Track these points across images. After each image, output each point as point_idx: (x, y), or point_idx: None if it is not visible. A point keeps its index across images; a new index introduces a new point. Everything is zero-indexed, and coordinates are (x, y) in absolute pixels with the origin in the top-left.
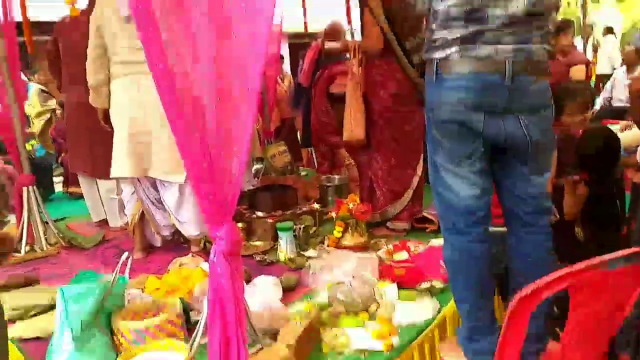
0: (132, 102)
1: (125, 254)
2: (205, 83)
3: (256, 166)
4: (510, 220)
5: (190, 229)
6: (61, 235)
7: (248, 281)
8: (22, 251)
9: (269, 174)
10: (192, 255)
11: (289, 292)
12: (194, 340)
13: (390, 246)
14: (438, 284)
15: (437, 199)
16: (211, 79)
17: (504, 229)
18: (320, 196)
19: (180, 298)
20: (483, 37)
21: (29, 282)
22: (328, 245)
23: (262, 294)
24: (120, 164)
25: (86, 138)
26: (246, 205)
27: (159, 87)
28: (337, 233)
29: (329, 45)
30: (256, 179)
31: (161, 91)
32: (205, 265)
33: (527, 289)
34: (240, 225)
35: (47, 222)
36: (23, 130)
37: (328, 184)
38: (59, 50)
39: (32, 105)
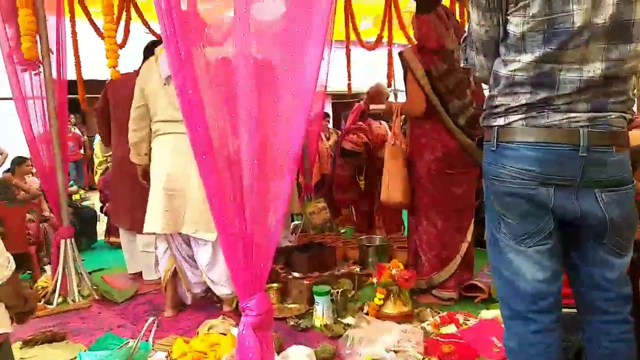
0: (169, 159)
1: (151, 319)
2: (245, 143)
3: (295, 222)
4: (583, 308)
5: (222, 289)
6: (95, 287)
7: (280, 351)
8: (55, 303)
9: (307, 231)
10: (223, 318)
11: None
12: None
13: (437, 318)
14: None
15: (498, 280)
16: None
17: (574, 310)
18: (360, 257)
19: None
20: (553, 104)
21: (55, 338)
22: (368, 313)
23: None
24: (154, 219)
25: (127, 192)
26: (282, 264)
27: (194, 146)
28: (378, 300)
29: (373, 107)
30: (294, 235)
31: (196, 150)
32: (235, 331)
33: None
34: (274, 285)
35: (81, 274)
36: (65, 183)
37: (368, 245)
38: (109, 107)
39: (96, 155)
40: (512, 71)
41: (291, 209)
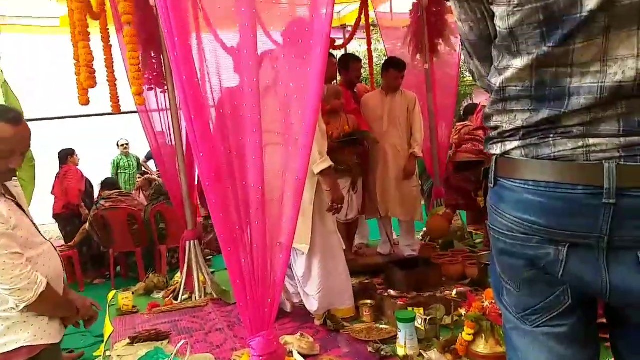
0: None
1: (182, 342)
2: (251, 169)
3: (425, 228)
4: None
5: (310, 303)
6: (216, 287)
7: None
8: (179, 299)
9: (434, 241)
10: (301, 335)
11: None
12: None
13: None
14: None
15: None
16: (256, 166)
17: None
18: (478, 277)
19: None
20: (561, 127)
21: (158, 337)
22: (454, 349)
23: None
24: None
25: None
26: (382, 279)
27: (200, 172)
28: (466, 336)
29: None
30: (422, 241)
31: (202, 176)
32: (300, 358)
33: None
34: (368, 302)
35: (206, 275)
36: (192, 187)
37: (489, 262)
38: None
39: None
40: (505, 80)
41: (413, 215)
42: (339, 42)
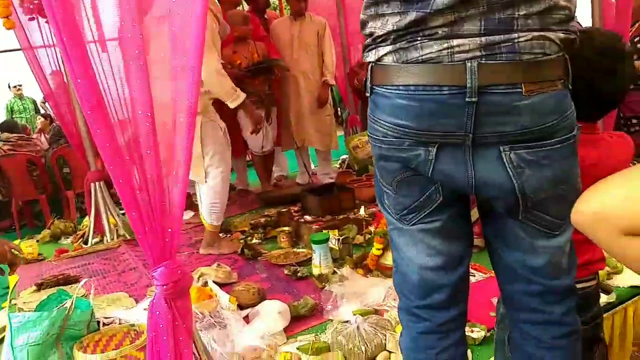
0: None
1: (84, 280)
2: (136, 95)
3: (343, 156)
4: (507, 304)
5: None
6: (128, 228)
7: (259, 302)
8: (90, 242)
9: (353, 168)
10: (217, 265)
11: (301, 319)
12: None
13: None
14: (478, 332)
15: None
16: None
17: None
18: None
19: None
20: (428, 28)
21: (68, 281)
22: (365, 264)
23: (261, 324)
24: None
25: None
26: (298, 206)
27: (80, 99)
28: (376, 251)
29: None
30: (340, 169)
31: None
32: (215, 287)
33: None
34: (285, 229)
35: (116, 216)
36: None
37: None
38: None
39: None
40: None
41: (329, 145)
42: None
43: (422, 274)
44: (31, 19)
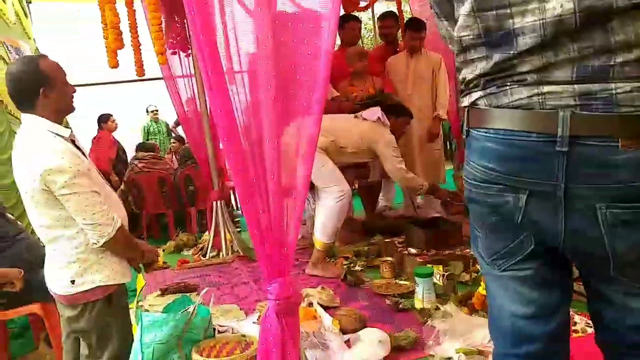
0: None
1: (204, 290)
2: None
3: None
4: (606, 356)
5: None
6: (242, 245)
7: (360, 328)
8: (207, 255)
9: (462, 201)
10: (322, 288)
11: (401, 351)
12: None
13: None
14: None
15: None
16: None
17: None
18: None
19: None
20: (516, 73)
21: (187, 289)
22: (470, 303)
23: (362, 351)
24: None
25: None
26: (402, 238)
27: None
28: (482, 290)
29: None
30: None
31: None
32: (319, 309)
33: None
34: (388, 259)
35: (232, 233)
36: (217, 150)
37: None
38: None
39: None
40: (458, 30)
41: (437, 178)
42: (363, 4)
43: (513, 322)
44: (173, 53)
